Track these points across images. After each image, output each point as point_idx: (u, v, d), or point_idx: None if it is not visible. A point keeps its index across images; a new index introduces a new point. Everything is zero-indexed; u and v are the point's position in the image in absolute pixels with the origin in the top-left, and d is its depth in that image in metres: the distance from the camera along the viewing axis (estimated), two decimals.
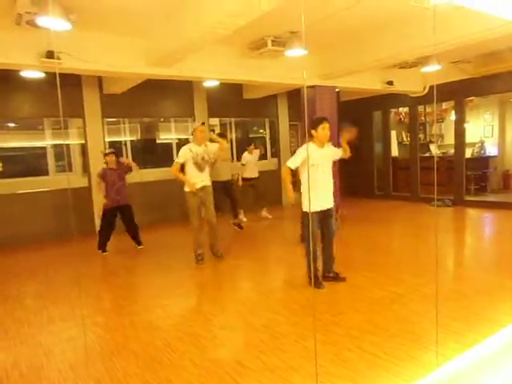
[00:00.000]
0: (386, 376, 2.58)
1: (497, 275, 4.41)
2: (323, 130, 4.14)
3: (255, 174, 8.33)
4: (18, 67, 5.62)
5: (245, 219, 8.29)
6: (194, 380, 2.65)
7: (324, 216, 4.26)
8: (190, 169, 5.27)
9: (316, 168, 4.13)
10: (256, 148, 8.56)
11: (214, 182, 6.38)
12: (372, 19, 5.56)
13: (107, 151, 6.27)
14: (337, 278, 4.40)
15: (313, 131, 4.17)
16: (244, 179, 8.31)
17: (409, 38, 5.81)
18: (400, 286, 4.20)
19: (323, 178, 4.21)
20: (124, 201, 6.27)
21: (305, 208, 4.26)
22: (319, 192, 4.17)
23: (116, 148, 9.37)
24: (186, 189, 5.29)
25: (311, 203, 4.17)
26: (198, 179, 5.28)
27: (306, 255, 4.41)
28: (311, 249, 4.16)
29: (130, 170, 6.34)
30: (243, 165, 8.28)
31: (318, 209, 4.19)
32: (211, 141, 5.62)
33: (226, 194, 7.34)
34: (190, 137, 5.45)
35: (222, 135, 7.73)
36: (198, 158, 5.27)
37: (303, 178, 4.26)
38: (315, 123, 4.19)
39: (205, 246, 5.54)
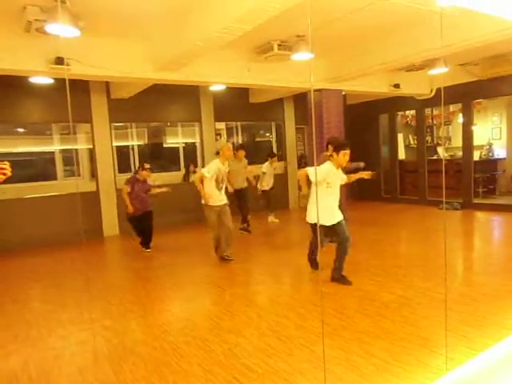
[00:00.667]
0: (395, 381, 2.56)
1: (506, 279, 4.36)
2: (344, 156, 4.27)
3: (271, 185, 8.32)
4: (27, 73, 5.70)
5: (276, 220, 8.45)
6: None
7: (331, 229, 4.40)
8: (211, 186, 5.30)
9: (329, 186, 4.32)
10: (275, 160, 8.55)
11: (235, 190, 6.46)
12: (379, 22, 5.56)
13: (146, 166, 6.40)
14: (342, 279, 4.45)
15: (334, 153, 4.30)
16: (262, 191, 8.26)
17: (416, 41, 5.81)
18: (408, 289, 4.17)
19: (333, 197, 4.39)
20: (147, 208, 6.41)
21: (309, 220, 4.50)
22: (326, 208, 4.35)
23: (123, 152, 9.46)
24: (205, 202, 5.35)
25: (313, 216, 4.38)
26: (217, 198, 5.35)
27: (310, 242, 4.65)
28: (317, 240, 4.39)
29: (150, 189, 6.47)
30: (264, 173, 8.24)
31: (323, 223, 4.36)
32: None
33: (238, 199, 7.33)
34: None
35: (242, 146, 7.70)
36: (219, 177, 5.34)
37: (313, 192, 4.39)
38: (338, 147, 4.31)
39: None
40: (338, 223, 4.39)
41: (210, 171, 5.27)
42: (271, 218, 8.51)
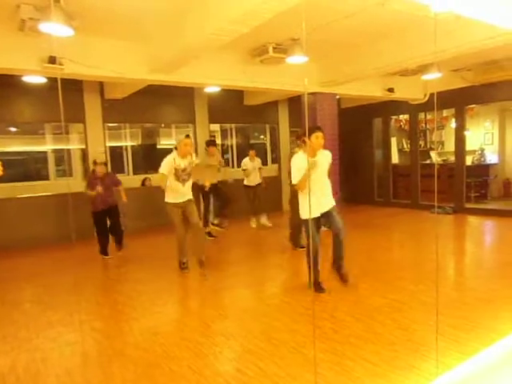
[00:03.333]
0: None
1: (497, 284, 4.39)
2: (316, 139, 4.12)
3: (258, 181, 8.20)
4: (20, 72, 5.65)
5: (269, 224, 8.23)
6: None
7: (327, 217, 4.23)
8: (172, 182, 5.06)
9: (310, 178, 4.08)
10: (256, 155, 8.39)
11: (197, 185, 6.35)
12: (373, 27, 5.60)
13: (98, 161, 6.07)
14: (342, 276, 4.31)
15: (306, 139, 4.15)
16: (246, 186, 8.19)
17: (410, 46, 5.85)
18: (400, 293, 4.18)
19: (318, 186, 4.17)
20: (111, 203, 6.13)
21: (303, 216, 4.29)
22: (315, 199, 4.17)
23: (116, 153, 9.42)
24: (167, 199, 5.13)
25: (310, 209, 4.16)
26: (179, 193, 5.10)
27: (307, 258, 4.40)
28: (311, 253, 4.20)
29: (117, 183, 6.19)
30: (244, 170, 8.13)
31: (318, 214, 4.20)
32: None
33: (214, 195, 7.24)
34: (174, 151, 5.21)
35: (212, 143, 7.50)
36: (179, 170, 5.05)
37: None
38: (309, 132, 4.18)
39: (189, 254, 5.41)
40: (331, 209, 4.22)
41: (163, 167, 5.04)
42: (263, 221, 8.26)
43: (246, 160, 8.23)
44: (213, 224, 7.40)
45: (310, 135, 4.13)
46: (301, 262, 5.50)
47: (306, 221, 4.28)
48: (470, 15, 3.66)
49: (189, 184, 5.22)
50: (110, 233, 6.29)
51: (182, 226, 5.19)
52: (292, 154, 5.66)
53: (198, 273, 5.19)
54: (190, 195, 5.26)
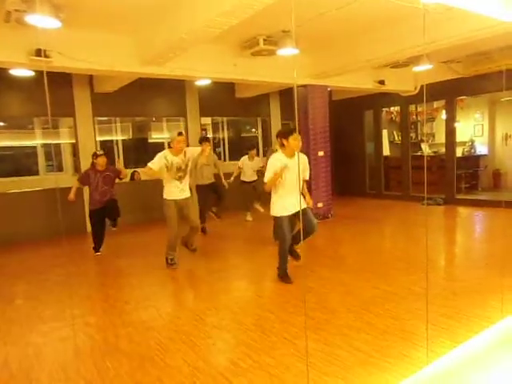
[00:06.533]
0: (377, 373, 2.59)
1: (487, 273, 4.46)
2: (294, 141, 4.23)
3: (254, 178, 8.15)
4: (6, 65, 5.57)
5: (262, 209, 8.17)
6: (186, 380, 2.64)
7: (296, 216, 4.36)
8: (169, 179, 5.03)
9: (283, 180, 4.26)
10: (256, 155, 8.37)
11: (198, 186, 6.71)
12: (364, 19, 5.59)
13: (98, 152, 5.84)
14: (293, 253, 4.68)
15: (284, 141, 4.27)
16: (243, 182, 8.15)
17: (400, 38, 5.86)
18: (391, 284, 4.23)
19: (289, 188, 4.31)
20: (110, 198, 5.96)
21: (272, 213, 4.48)
22: (285, 200, 4.31)
23: (107, 147, 9.33)
24: (165, 196, 5.10)
25: (279, 209, 4.37)
26: (178, 190, 5.07)
27: (278, 254, 4.56)
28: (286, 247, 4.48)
29: (119, 174, 6.05)
30: (240, 168, 8.07)
31: (285, 214, 4.35)
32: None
33: (213, 192, 7.28)
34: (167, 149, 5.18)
35: (206, 139, 7.50)
36: (174, 167, 5.01)
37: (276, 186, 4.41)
38: (286, 134, 4.29)
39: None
40: (304, 209, 4.36)
41: (154, 163, 4.99)
42: (257, 206, 8.31)
43: (244, 158, 8.13)
44: (211, 211, 7.41)
45: (287, 137, 4.25)
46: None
47: (277, 217, 4.46)
48: (457, 6, 3.67)
49: (186, 181, 5.17)
50: (107, 216, 6.10)
51: (177, 224, 5.11)
52: (272, 151, 5.72)
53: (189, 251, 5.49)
54: (188, 192, 5.24)
